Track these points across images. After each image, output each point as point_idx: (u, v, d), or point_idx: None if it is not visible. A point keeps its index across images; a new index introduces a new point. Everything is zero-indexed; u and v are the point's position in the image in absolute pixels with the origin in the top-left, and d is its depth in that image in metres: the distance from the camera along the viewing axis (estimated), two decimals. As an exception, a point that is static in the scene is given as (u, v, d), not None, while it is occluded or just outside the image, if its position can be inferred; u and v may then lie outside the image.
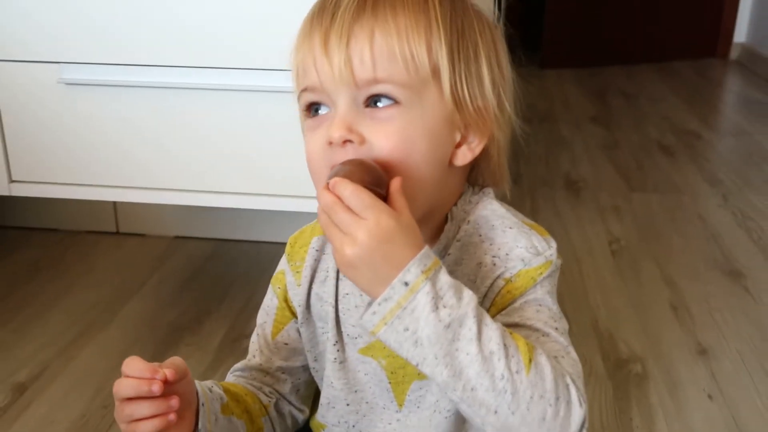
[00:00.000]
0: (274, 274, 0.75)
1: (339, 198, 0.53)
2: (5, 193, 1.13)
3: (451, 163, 0.63)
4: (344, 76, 0.58)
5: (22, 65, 1.06)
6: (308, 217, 0.75)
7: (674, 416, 1.07)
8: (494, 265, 0.62)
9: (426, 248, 0.54)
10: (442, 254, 0.65)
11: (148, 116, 1.07)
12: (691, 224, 1.77)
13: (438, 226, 0.66)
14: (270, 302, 0.75)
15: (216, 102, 1.05)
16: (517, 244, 0.63)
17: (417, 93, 0.59)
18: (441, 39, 0.59)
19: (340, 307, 0.69)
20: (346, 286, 0.69)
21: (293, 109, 1.01)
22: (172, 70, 1.04)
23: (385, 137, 0.58)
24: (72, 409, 1.09)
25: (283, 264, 0.74)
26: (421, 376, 0.66)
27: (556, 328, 0.61)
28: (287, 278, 0.73)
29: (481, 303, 0.61)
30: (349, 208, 0.53)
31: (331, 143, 0.58)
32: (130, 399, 0.58)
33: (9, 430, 1.05)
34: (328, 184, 0.54)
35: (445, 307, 0.52)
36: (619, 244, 1.62)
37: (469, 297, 0.54)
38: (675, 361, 1.20)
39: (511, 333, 0.55)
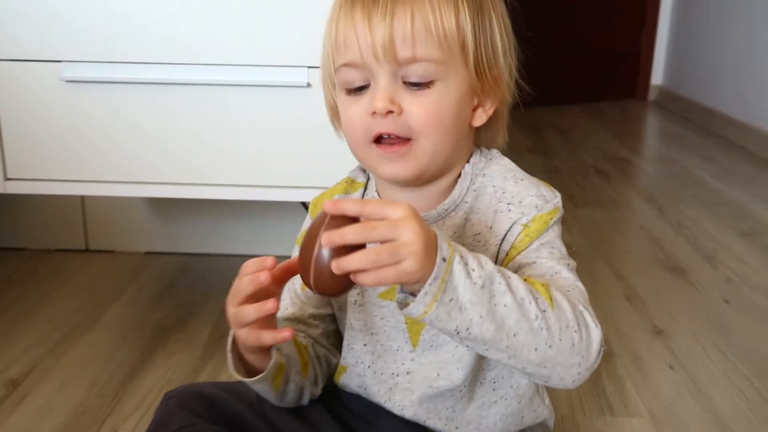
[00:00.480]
0: (300, 233, 0.81)
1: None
2: (0, 190, 1.15)
3: (470, 124, 0.72)
4: (387, 54, 0.65)
5: (22, 64, 1.10)
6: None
7: (641, 384, 1.17)
8: (509, 210, 0.71)
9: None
10: (458, 202, 0.73)
11: (146, 112, 1.12)
12: (634, 232, 1.91)
13: (452, 180, 0.74)
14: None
15: (213, 97, 1.12)
16: (528, 193, 0.72)
17: (449, 67, 0.67)
18: (466, 14, 0.68)
19: None
20: None
21: (288, 104, 1.11)
22: (168, 67, 1.10)
23: (420, 108, 0.67)
24: (70, 399, 1.10)
25: (307, 222, 0.81)
26: None
27: (567, 264, 0.70)
28: None
29: (500, 246, 0.71)
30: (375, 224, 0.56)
31: (374, 113, 0.67)
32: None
33: (8, 420, 1.05)
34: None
35: (474, 270, 0.58)
36: (571, 249, 1.74)
37: (484, 256, 0.61)
38: (635, 341, 1.30)
39: (525, 279, 0.64)
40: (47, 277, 1.54)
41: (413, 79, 0.67)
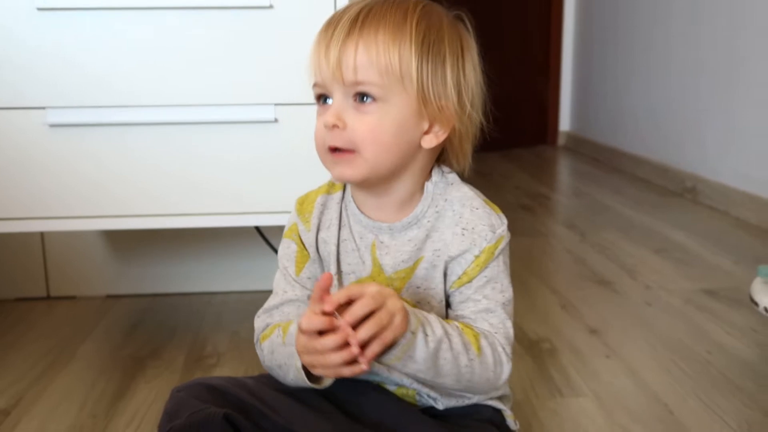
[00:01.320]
0: (287, 228, 0.93)
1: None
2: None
3: (420, 145, 0.85)
4: (336, 77, 0.80)
5: (10, 111, 1.19)
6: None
7: (583, 371, 1.31)
8: (463, 236, 0.85)
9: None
10: (420, 218, 0.87)
11: (123, 152, 1.22)
12: (561, 255, 2.09)
13: (413, 192, 0.88)
14: (288, 249, 0.93)
15: (185, 135, 1.23)
16: (481, 222, 0.85)
17: (390, 92, 0.81)
18: (411, 52, 0.81)
19: (340, 249, 0.90)
20: (344, 233, 0.90)
21: (256, 139, 1.23)
22: (144, 110, 1.22)
23: (361, 125, 0.81)
24: (63, 420, 1.16)
25: (293, 218, 0.93)
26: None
27: (503, 303, 0.85)
28: (299, 227, 0.92)
29: (453, 261, 0.85)
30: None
31: (325, 127, 0.82)
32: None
33: (4, 444, 1.10)
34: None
35: (428, 335, 0.77)
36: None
37: (436, 322, 0.78)
38: (573, 339, 1.46)
39: (464, 327, 0.82)
40: (11, 325, 1.58)
41: (358, 98, 0.80)
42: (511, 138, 4.07)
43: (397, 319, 0.74)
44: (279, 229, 1.67)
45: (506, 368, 0.84)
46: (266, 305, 0.93)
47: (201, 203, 1.26)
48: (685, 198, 2.77)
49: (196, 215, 1.26)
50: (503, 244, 0.86)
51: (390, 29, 0.80)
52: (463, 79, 0.85)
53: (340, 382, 0.91)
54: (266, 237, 1.66)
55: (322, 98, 0.84)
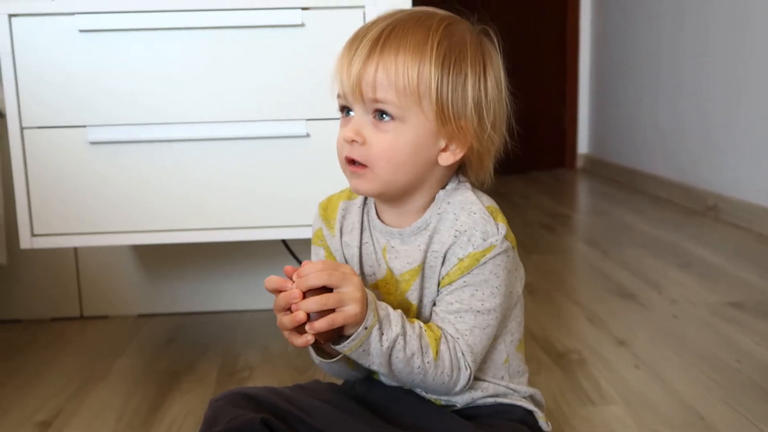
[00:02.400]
0: (314, 234, 0.97)
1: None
2: (27, 246, 1.26)
3: (437, 162, 0.87)
4: (355, 93, 0.83)
5: (52, 130, 1.24)
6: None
7: (613, 381, 1.32)
8: (456, 238, 0.86)
9: (371, 294, 0.81)
10: (428, 222, 0.89)
11: (160, 167, 1.26)
12: (584, 271, 2.10)
13: (426, 202, 0.90)
14: (317, 256, 0.96)
15: (223, 151, 1.27)
16: (475, 228, 0.85)
17: (407, 112, 0.82)
18: (431, 73, 0.81)
19: (362, 251, 0.92)
20: (365, 236, 0.93)
21: (289, 153, 1.27)
22: (179, 126, 1.26)
23: (378, 142, 0.83)
24: (102, 431, 1.19)
25: (318, 224, 0.97)
26: (403, 303, 0.90)
27: (478, 312, 0.85)
28: (324, 232, 0.95)
29: (442, 265, 0.87)
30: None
31: (344, 140, 0.85)
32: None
33: (46, 453, 1.13)
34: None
35: (384, 334, 0.80)
36: (533, 286, 1.91)
37: (397, 320, 0.81)
38: (602, 350, 1.47)
39: (427, 328, 0.84)
40: (47, 344, 1.61)
41: (377, 115, 0.82)
42: (530, 161, 4.09)
43: (350, 308, 0.77)
44: (305, 243, 1.70)
45: (464, 375, 0.84)
46: None
47: (232, 217, 1.29)
48: (707, 216, 2.78)
49: (226, 229, 1.30)
50: (493, 253, 0.84)
51: (410, 50, 0.82)
52: (485, 98, 0.85)
53: (374, 387, 0.94)
54: (293, 251, 1.68)
55: (345, 110, 0.87)
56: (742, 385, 1.29)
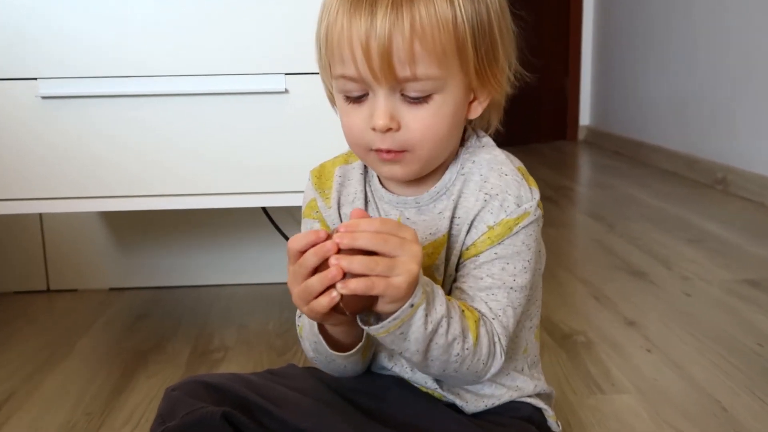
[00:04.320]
0: (306, 204, 0.83)
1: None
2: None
3: (466, 117, 0.74)
4: (386, 75, 0.66)
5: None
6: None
7: (624, 367, 1.20)
8: (485, 201, 0.73)
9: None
10: (448, 186, 0.76)
11: (123, 125, 1.13)
12: (589, 245, 1.98)
13: (446, 163, 0.77)
14: (311, 227, 0.82)
15: (190, 108, 1.13)
16: (507, 191, 0.73)
17: (447, 80, 0.69)
18: (465, 27, 0.67)
19: None
20: (371, 209, 0.79)
21: (266, 111, 1.13)
22: (148, 80, 1.12)
23: (418, 123, 0.69)
24: (56, 418, 1.06)
25: (311, 193, 0.83)
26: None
27: (511, 287, 0.72)
28: (319, 203, 0.81)
29: (467, 234, 0.74)
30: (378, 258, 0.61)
31: (374, 129, 0.69)
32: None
33: (-9, 443, 1.01)
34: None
35: (428, 315, 0.64)
36: (533, 262, 1.78)
37: (441, 298, 0.66)
38: (610, 331, 1.35)
39: (464, 310, 0.69)
40: (8, 320, 1.49)
41: (412, 95, 0.68)
42: (530, 133, 3.95)
43: (398, 280, 0.60)
44: (287, 211, 1.58)
45: (497, 362, 0.71)
46: None
47: (206, 182, 1.16)
48: (715, 189, 2.65)
49: (200, 195, 1.16)
50: (526, 221, 0.72)
51: (439, 6, 0.66)
52: (509, 40, 0.75)
53: (359, 375, 0.82)
54: (274, 220, 1.55)
55: (352, 95, 0.70)
56: (764, 371, 1.17)
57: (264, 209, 1.54)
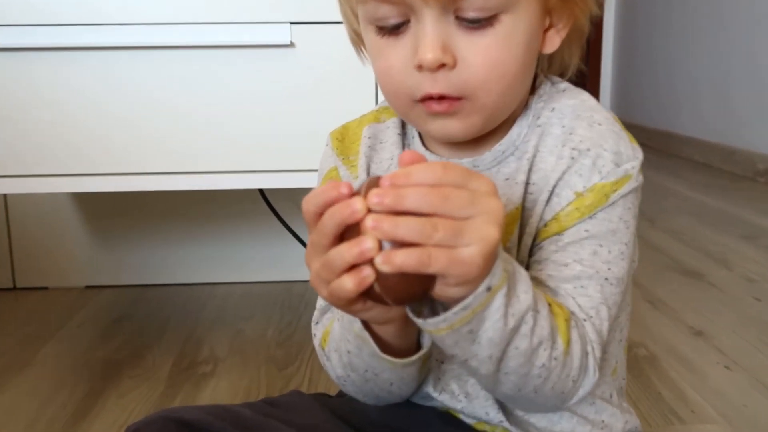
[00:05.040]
0: (323, 175, 0.62)
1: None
2: None
3: (539, 51, 0.55)
4: None
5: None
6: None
7: (702, 389, 0.98)
8: (571, 159, 0.53)
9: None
10: (518, 144, 0.56)
11: (98, 85, 0.91)
12: (630, 242, 1.76)
13: (514, 115, 0.56)
14: None
15: (175, 64, 0.92)
16: (603, 145, 0.53)
17: None
18: None
19: None
20: None
21: (276, 67, 0.91)
22: (117, 29, 0.90)
23: (481, 57, 0.49)
24: (-2, 451, 0.85)
25: (331, 161, 0.62)
26: None
27: (606, 279, 0.52)
28: (341, 172, 0.61)
29: (546, 205, 0.53)
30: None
31: (420, 67, 0.49)
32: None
33: None
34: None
35: (509, 306, 0.44)
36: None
37: (526, 283, 0.45)
38: (676, 343, 1.13)
39: (551, 304, 0.48)
40: (-35, 321, 1.28)
41: (471, 15, 0.49)
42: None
43: (468, 251, 0.39)
44: (289, 195, 1.36)
45: (589, 382, 0.51)
46: (318, 305, 0.61)
47: (195, 158, 0.94)
48: (758, 182, 2.43)
49: (187, 174, 0.95)
50: (627, 188, 0.53)
51: None
52: None
53: (390, 407, 0.60)
54: (274, 207, 1.33)
55: (386, 25, 0.51)
56: None
57: (262, 193, 1.32)
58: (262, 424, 0.58)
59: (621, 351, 0.61)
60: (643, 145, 2.41)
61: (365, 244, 0.38)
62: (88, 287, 1.43)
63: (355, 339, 0.51)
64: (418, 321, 0.44)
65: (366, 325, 0.49)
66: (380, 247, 0.38)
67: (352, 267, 0.39)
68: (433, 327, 0.43)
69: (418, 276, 0.39)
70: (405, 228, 0.38)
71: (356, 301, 0.42)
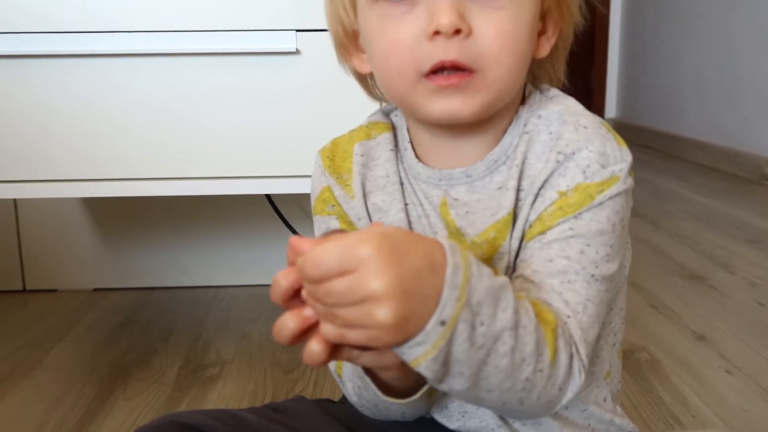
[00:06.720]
0: (317, 197, 0.62)
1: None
2: None
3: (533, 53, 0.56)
4: None
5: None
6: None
7: (703, 394, 0.99)
8: (557, 162, 0.53)
9: (450, 252, 0.42)
10: (509, 152, 0.56)
11: (102, 92, 0.93)
12: (634, 245, 1.76)
13: (505, 124, 0.57)
14: (327, 227, 0.61)
15: (179, 71, 0.93)
16: (588, 146, 0.53)
17: None
18: None
19: (410, 218, 0.58)
20: (407, 194, 0.59)
21: (282, 74, 0.92)
22: (126, 36, 0.91)
23: (495, 29, 0.50)
24: (8, 453, 0.86)
25: (322, 181, 0.61)
26: None
27: (593, 275, 0.52)
28: (336, 192, 0.60)
29: (531, 208, 0.54)
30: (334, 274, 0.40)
31: (437, 33, 0.49)
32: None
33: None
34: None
35: (481, 324, 0.42)
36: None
37: (507, 300, 0.44)
38: (678, 348, 1.14)
39: (539, 314, 0.47)
40: (-25, 323, 1.29)
41: None
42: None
43: (372, 331, 0.39)
44: (296, 201, 1.38)
45: (575, 384, 0.49)
46: None
47: (202, 164, 0.95)
48: (763, 185, 2.43)
49: (194, 180, 0.96)
50: (613, 190, 0.52)
51: None
52: None
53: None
54: (281, 212, 1.34)
55: None
56: None
57: (269, 197, 1.33)
58: (267, 429, 0.59)
59: (615, 355, 0.62)
60: (647, 146, 2.42)
61: (304, 315, 0.45)
62: (96, 290, 1.45)
63: (358, 379, 0.52)
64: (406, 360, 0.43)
65: (365, 368, 0.50)
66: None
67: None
68: (417, 367, 0.42)
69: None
70: (317, 313, 0.43)
71: (342, 349, 0.43)
